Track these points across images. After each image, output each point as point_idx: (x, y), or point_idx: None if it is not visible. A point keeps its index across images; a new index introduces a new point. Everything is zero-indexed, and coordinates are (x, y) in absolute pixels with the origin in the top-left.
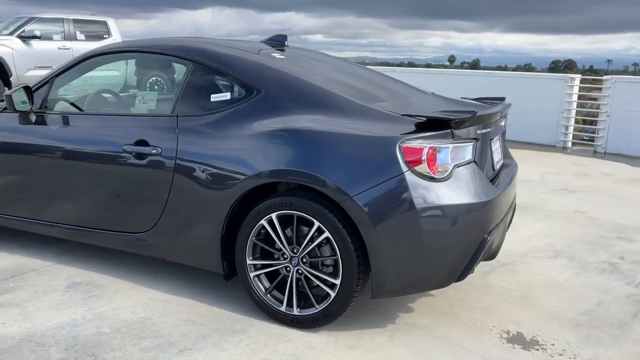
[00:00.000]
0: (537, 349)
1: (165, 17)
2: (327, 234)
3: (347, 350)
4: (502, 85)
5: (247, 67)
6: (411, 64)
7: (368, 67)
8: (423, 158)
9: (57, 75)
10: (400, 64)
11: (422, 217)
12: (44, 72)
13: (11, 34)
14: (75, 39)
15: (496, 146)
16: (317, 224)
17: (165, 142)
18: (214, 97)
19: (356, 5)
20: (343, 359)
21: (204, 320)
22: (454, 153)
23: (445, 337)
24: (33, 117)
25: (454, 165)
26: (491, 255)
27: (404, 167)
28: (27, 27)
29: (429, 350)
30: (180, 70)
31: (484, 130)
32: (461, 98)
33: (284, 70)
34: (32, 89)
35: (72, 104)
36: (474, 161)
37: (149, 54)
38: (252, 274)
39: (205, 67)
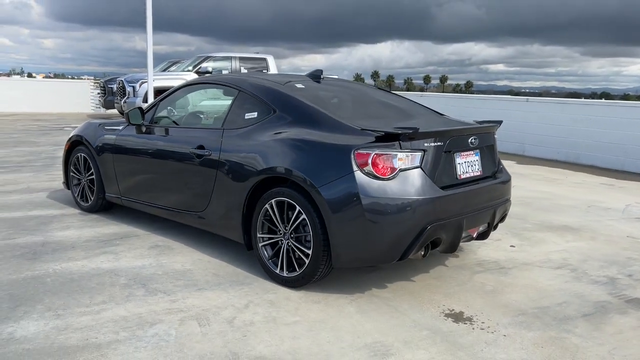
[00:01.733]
0: (465, 323)
1: (347, 51)
2: (303, 216)
3: (312, 303)
4: None
5: (269, 94)
6: (605, 94)
7: (404, 93)
8: (369, 161)
9: (160, 101)
10: (593, 95)
11: (364, 205)
12: (212, 102)
13: (191, 69)
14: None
15: (467, 159)
16: (297, 208)
17: (214, 147)
18: (247, 115)
19: (542, 33)
20: (305, 308)
21: (225, 275)
22: (400, 159)
23: (396, 306)
24: (143, 129)
25: (399, 169)
26: (448, 248)
27: (355, 167)
28: (203, 64)
29: (374, 312)
30: (233, 95)
31: (435, 144)
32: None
33: (294, 96)
34: (145, 110)
35: (168, 119)
36: (420, 167)
37: (216, 84)
38: (260, 245)
39: (245, 93)
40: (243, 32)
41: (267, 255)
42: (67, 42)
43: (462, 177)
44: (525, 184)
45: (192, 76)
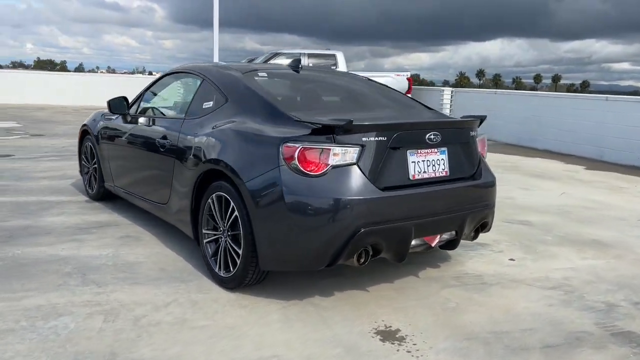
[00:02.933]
0: (393, 344)
1: (453, 49)
2: (236, 212)
3: (237, 307)
4: None
5: (225, 82)
6: None
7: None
8: (295, 156)
9: (145, 91)
10: None
11: (287, 203)
12: None
13: None
14: None
15: (426, 158)
16: (232, 204)
17: (173, 137)
18: (205, 104)
19: None
20: (225, 312)
21: (172, 270)
22: (335, 155)
23: (327, 318)
24: (128, 118)
25: (332, 166)
26: (395, 257)
27: (281, 162)
28: (271, 60)
29: (299, 322)
30: (197, 84)
31: (376, 139)
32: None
33: (247, 85)
34: (133, 100)
35: (150, 110)
36: (357, 164)
37: (186, 73)
38: (204, 241)
39: (207, 82)
40: (348, 32)
41: (209, 253)
42: (184, 43)
43: (417, 177)
44: (578, 191)
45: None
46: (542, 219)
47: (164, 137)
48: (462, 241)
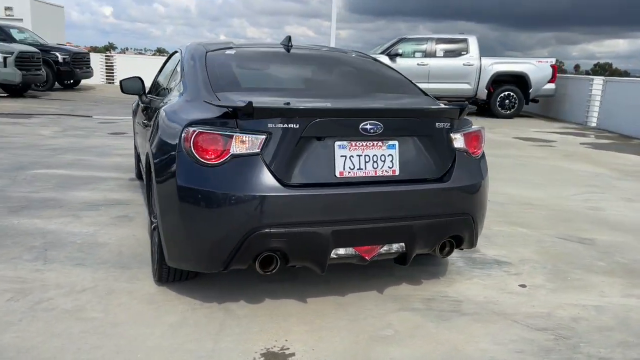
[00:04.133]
0: None
1: None
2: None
3: (145, 303)
4: None
5: (186, 60)
6: None
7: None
8: (191, 141)
9: (159, 71)
10: None
11: (179, 195)
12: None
13: (382, 52)
14: (434, 56)
15: (365, 152)
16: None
17: (153, 118)
18: (172, 83)
19: None
20: (130, 306)
21: (129, 256)
22: (242, 142)
23: (227, 327)
24: (144, 98)
25: (233, 155)
26: (314, 267)
27: (179, 148)
28: (395, 47)
29: (191, 327)
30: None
31: (285, 126)
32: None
33: (200, 62)
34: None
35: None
36: (260, 154)
37: (177, 52)
38: (150, 229)
39: (180, 59)
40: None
41: (154, 242)
42: (358, 33)
43: (346, 175)
44: None
45: (384, 59)
46: (614, 238)
47: (148, 118)
48: (472, 256)
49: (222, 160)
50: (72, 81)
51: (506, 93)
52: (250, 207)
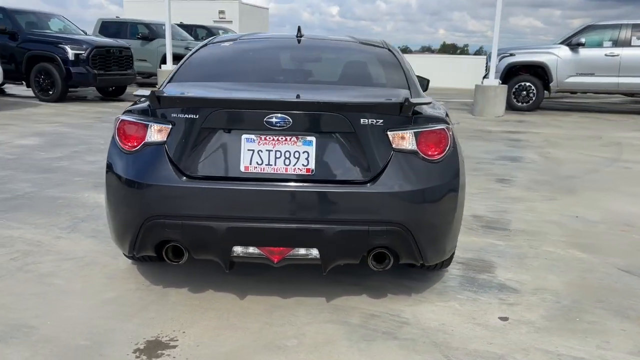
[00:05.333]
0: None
1: None
2: None
3: (107, 278)
4: None
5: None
6: None
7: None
8: (117, 129)
9: None
10: None
11: (106, 180)
12: (584, 79)
13: (562, 42)
14: (629, 45)
15: (276, 148)
16: None
17: None
18: None
19: None
20: (96, 282)
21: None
22: (158, 130)
23: (134, 311)
24: None
25: (145, 143)
26: (222, 262)
27: (113, 135)
28: (579, 36)
29: (110, 305)
30: None
31: (186, 116)
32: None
33: (188, 52)
34: None
35: None
36: (165, 144)
37: None
38: None
39: None
40: None
41: None
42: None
43: (252, 170)
44: None
45: (561, 50)
46: None
47: None
48: (476, 276)
49: (137, 148)
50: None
51: None
52: (147, 195)
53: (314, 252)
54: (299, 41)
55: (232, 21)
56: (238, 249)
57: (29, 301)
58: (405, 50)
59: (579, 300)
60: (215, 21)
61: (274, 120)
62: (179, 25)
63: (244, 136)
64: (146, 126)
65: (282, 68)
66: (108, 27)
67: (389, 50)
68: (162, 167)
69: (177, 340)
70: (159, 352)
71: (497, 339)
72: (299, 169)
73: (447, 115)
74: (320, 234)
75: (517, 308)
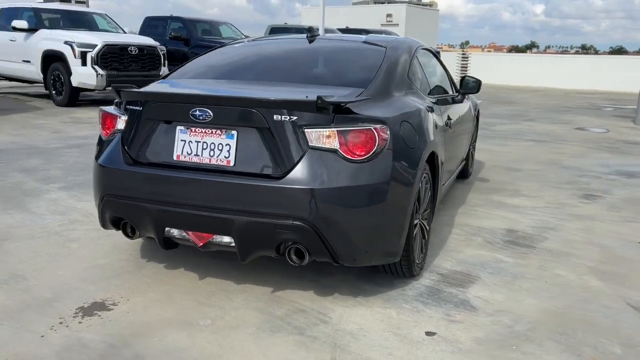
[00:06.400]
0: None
1: None
2: None
3: (104, 236)
4: None
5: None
6: None
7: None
8: (99, 120)
9: None
10: None
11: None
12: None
13: None
14: None
15: (203, 139)
16: None
17: None
18: None
19: None
20: (90, 242)
21: None
22: (118, 121)
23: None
24: None
25: (115, 131)
26: (156, 239)
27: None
28: None
29: (104, 269)
30: None
31: (133, 108)
32: None
33: (203, 52)
34: None
35: None
36: (121, 132)
37: None
38: None
39: None
40: None
41: None
42: None
43: (182, 159)
44: None
45: None
46: None
47: None
48: (446, 289)
49: (109, 136)
50: None
51: None
52: (104, 177)
53: (230, 241)
54: (310, 41)
55: (398, 24)
56: (171, 231)
57: (39, 258)
58: (620, 50)
59: (536, 329)
60: (382, 24)
61: (197, 113)
62: (344, 29)
63: (178, 127)
64: (115, 117)
65: (256, 68)
66: (276, 33)
67: (388, 50)
68: (117, 153)
69: (117, 305)
70: (95, 312)
71: (401, 351)
72: (220, 160)
73: (409, 115)
74: (233, 224)
75: (456, 326)
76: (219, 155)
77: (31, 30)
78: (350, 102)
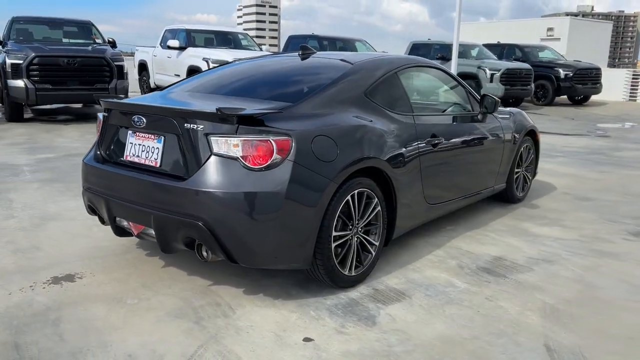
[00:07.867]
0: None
1: None
2: None
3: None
4: None
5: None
6: None
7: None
8: (98, 124)
9: None
10: None
11: None
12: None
13: None
14: None
15: (143, 142)
16: None
17: None
18: None
19: None
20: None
21: None
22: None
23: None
24: None
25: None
26: (110, 225)
27: None
28: None
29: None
30: None
31: (102, 114)
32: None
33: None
34: None
35: None
36: (100, 135)
37: None
38: None
39: None
40: None
41: None
42: None
43: (129, 159)
44: None
45: None
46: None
47: None
48: (360, 302)
49: (97, 139)
50: (580, 97)
51: None
52: (85, 172)
53: (152, 232)
54: (302, 59)
55: (559, 38)
56: (122, 221)
57: (64, 236)
58: None
59: (414, 352)
60: (542, 39)
61: (135, 119)
62: (495, 44)
63: (128, 132)
64: (100, 122)
65: (231, 83)
66: (419, 48)
67: (352, 68)
68: (93, 152)
69: (81, 279)
70: (61, 281)
71: (265, 350)
72: (151, 161)
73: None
74: (150, 218)
75: (340, 337)
76: (150, 156)
77: (181, 48)
78: (254, 114)
